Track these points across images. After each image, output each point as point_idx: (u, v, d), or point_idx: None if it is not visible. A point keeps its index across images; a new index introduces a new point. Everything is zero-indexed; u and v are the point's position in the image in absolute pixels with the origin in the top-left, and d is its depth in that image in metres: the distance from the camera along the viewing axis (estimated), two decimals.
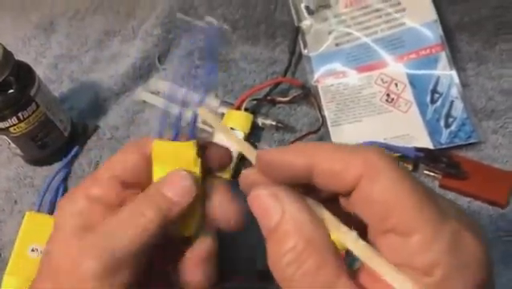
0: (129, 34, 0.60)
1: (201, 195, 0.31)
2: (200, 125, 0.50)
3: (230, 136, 0.31)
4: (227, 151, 0.35)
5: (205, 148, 0.33)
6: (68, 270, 0.29)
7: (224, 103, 0.51)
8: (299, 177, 0.26)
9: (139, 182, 0.32)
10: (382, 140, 0.46)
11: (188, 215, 0.31)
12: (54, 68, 0.59)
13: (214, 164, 0.34)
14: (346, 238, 0.24)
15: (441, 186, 0.45)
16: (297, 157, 0.26)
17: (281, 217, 0.25)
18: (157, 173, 0.31)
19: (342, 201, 0.27)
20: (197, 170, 0.31)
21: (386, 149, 0.45)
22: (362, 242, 0.24)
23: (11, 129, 0.46)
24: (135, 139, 0.50)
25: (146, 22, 0.60)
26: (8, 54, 0.44)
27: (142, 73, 0.56)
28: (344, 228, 0.25)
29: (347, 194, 0.25)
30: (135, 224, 0.29)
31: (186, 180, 0.30)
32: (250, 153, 0.29)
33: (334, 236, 0.25)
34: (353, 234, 0.24)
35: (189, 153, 0.31)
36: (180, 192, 0.30)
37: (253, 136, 0.50)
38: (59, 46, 0.61)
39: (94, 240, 0.29)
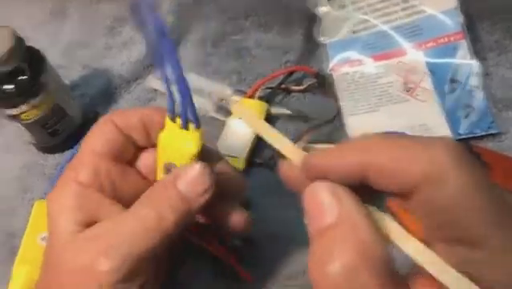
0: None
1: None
2: (212, 114, 0.49)
3: (270, 135, 0.27)
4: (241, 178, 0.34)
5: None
6: (82, 280, 0.28)
7: (237, 91, 0.50)
8: (352, 178, 0.23)
9: (122, 156, 0.32)
10: (399, 131, 0.45)
11: None
12: (66, 55, 0.58)
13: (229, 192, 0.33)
14: (410, 247, 0.22)
15: None
16: (351, 158, 0.23)
17: (336, 219, 0.22)
18: (161, 156, 0.31)
19: (396, 199, 0.23)
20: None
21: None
22: (432, 254, 0.21)
23: (22, 116, 0.45)
24: None
25: (158, 9, 0.59)
26: (20, 41, 0.44)
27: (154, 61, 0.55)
28: (411, 239, 0.22)
29: (406, 196, 0.22)
30: (156, 229, 0.28)
31: (206, 177, 0.30)
32: (295, 154, 0.26)
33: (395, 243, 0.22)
34: (420, 245, 0.21)
35: (191, 149, 0.30)
36: (200, 191, 0.30)
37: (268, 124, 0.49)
38: (71, 32, 0.60)
39: (111, 242, 0.28)
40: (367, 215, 0.22)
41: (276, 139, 0.27)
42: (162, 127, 0.31)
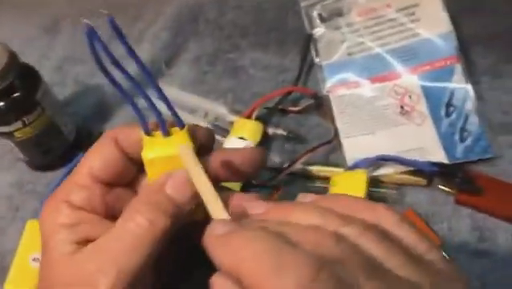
0: (136, 37, 0.59)
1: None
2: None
3: (201, 184, 0.27)
4: (209, 131, 0.33)
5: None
6: None
7: (233, 111, 0.50)
8: None
9: (121, 179, 0.31)
10: (395, 154, 0.45)
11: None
12: (59, 71, 0.57)
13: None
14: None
15: (457, 202, 0.44)
16: None
17: None
18: (151, 172, 0.30)
19: None
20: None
21: (398, 163, 0.44)
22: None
23: (16, 134, 0.44)
24: None
25: (153, 25, 0.59)
26: (13, 57, 0.43)
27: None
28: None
29: None
30: (148, 236, 0.28)
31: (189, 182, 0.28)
32: (217, 212, 0.26)
33: None
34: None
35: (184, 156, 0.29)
36: (188, 195, 0.29)
37: (264, 145, 0.49)
38: (64, 48, 0.60)
39: (104, 259, 0.28)
40: None
41: (206, 190, 0.27)
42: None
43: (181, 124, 0.29)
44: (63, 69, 0.57)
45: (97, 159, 0.31)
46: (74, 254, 0.28)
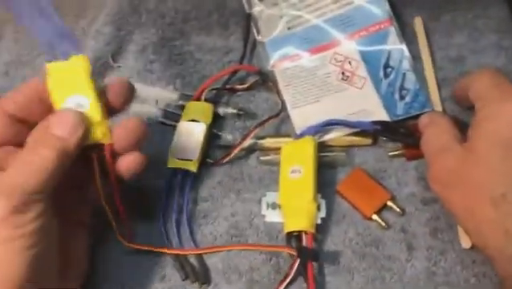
0: (80, 34, 0.59)
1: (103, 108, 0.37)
2: (160, 119, 0.50)
3: None
4: (128, 85, 0.40)
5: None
6: None
7: (183, 95, 0.51)
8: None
9: (33, 116, 0.36)
10: (341, 117, 0.47)
11: (99, 125, 0.37)
12: (6, 75, 0.57)
13: (115, 99, 0.39)
14: None
15: (408, 159, 0.46)
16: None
17: None
18: (56, 100, 0.37)
19: None
20: (91, 91, 0.37)
21: (344, 126, 0.46)
22: None
23: None
24: None
25: (96, 21, 0.59)
26: None
27: (97, 72, 0.55)
28: None
29: None
30: (36, 164, 0.33)
31: (73, 117, 0.35)
32: None
33: None
34: None
35: (81, 75, 0.37)
36: (70, 130, 0.35)
37: (216, 125, 0.50)
38: (8, 52, 0.59)
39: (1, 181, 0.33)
40: None
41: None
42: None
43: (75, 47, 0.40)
44: (10, 73, 0.57)
45: (10, 98, 0.37)
46: None
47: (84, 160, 0.38)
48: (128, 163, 0.39)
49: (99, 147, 0.38)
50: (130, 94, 0.40)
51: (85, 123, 0.36)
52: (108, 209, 0.40)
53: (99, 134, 0.37)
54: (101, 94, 0.38)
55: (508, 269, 0.35)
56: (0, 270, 0.31)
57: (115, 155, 0.39)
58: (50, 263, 0.35)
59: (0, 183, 0.33)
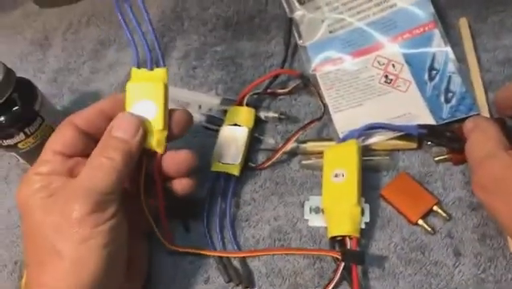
0: (124, 41, 0.61)
1: (166, 119, 0.39)
2: (204, 124, 0.51)
3: None
4: (188, 114, 0.42)
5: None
6: (61, 222, 0.34)
7: (225, 100, 0.52)
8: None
9: (101, 131, 0.38)
10: (384, 121, 0.46)
11: (158, 134, 0.39)
12: (54, 82, 0.59)
13: (175, 125, 0.41)
14: None
15: (455, 163, 0.45)
16: None
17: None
18: (128, 103, 0.40)
19: None
20: (162, 100, 0.39)
21: (388, 130, 0.46)
22: None
23: (19, 145, 0.46)
24: None
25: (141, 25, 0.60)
26: (9, 72, 0.45)
27: None
28: None
29: None
30: (105, 166, 0.36)
31: (132, 120, 0.38)
32: None
33: None
34: None
35: (158, 84, 0.39)
36: (130, 133, 0.37)
37: (258, 129, 0.50)
38: (56, 60, 0.61)
39: (75, 190, 0.35)
40: None
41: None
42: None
43: (163, 63, 0.43)
44: (58, 80, 0.59)
45: (58, 140, 0.39)
46: (47, 199, 0.35)
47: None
48: (176, 187, 0.42)
49: (151, 154, 0.40)
50: (189, 123, 0.42)
51: (144, 127, 0.38)
52: (147, 211, 0.41)
53: (154, 142, 0.39)
54: (168, 109, 0.40)
55: None
56: (78, 267, 0.34)
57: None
58: (120, 263, 0.37)
59: (75, 187, 0.35)
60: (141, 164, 0.40)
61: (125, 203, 0.38)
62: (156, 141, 0.39)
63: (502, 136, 0.40)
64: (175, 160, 0.41)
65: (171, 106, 0.41)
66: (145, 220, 0.41)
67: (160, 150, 0.40)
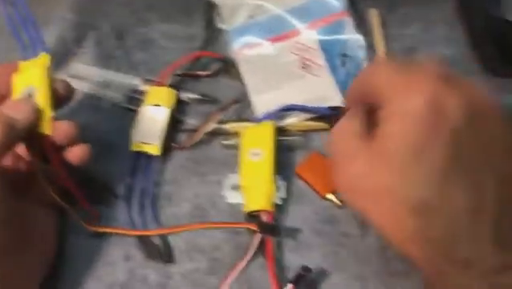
0: (42, 20, 0.59)
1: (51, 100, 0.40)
2: (123, 104, 0.51)
3: None
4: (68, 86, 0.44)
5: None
6: None
7: (146, 81, 0.52)
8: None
9: None
10: (300, 103, 0.49)
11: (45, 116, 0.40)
12: None
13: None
14: None
15: None
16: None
17: None
18: (15, 91, 0.41)
19: None
20: (43, 83, 0.40)
21: (302, 111, 0.48)
22: None
23: None
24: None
25: (58, 6, 0.59)
26: None
27: (60, 58, 0.56)
28: None
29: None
30: None
31: (27, 104, 0.39)
32: None
33: None
34: None
35: (40, 70, 0.41)
36: (24, 114, 0.39)
37: (179, 111, 0.51)
38: None
39: None
40: None
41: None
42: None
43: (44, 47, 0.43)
44: None
45: None
46: None
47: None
48: (71, 155, 0.42)
49: (41, 136, 0.40)
50: (71, 92, 0.44)
51: (37, 112, 0.39)
52: (56, 195, 0.41)
53: (41, 124, 0.40)
54: (52, 89, 0.41)
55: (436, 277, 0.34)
56: None
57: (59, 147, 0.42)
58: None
59: None
60: (33, 146, 0.41)
61: (22, 178, 0.41)
62: (44, 122, 0.40)
63: (357, 125, 0.36)
64: (57, 132, 0.41)
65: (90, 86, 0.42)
66: (53, 201, 0.41)
67: (47, 132, 0.40)
